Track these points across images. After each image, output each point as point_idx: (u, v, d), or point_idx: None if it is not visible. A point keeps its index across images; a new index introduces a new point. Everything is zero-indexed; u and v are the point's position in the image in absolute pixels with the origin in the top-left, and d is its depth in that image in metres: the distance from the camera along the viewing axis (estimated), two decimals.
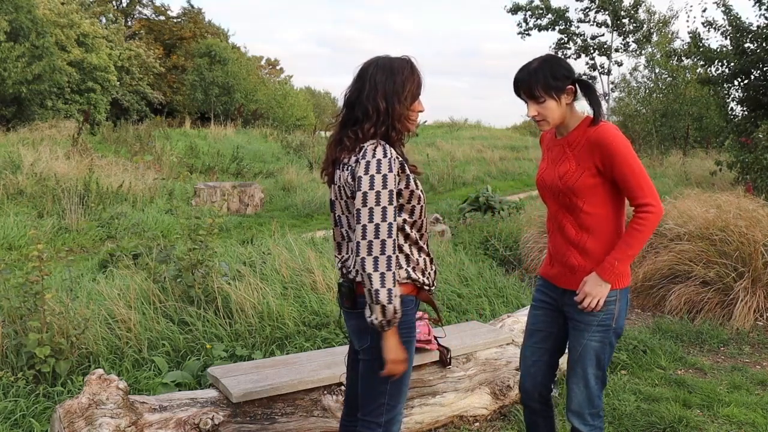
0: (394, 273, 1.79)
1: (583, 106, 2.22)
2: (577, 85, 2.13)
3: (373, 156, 1.81)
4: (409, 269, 1.94)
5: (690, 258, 5.08)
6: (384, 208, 1.79)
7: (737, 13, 11.18)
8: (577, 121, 2.16)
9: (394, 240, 1.80)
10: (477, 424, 3.22)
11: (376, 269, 1.77)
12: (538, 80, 2.08)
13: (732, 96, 12.26)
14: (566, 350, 2.31)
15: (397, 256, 1.83)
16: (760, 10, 11.09)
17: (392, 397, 1.99)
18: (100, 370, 2.44)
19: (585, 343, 2.18)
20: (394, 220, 1.81)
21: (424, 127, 25.08)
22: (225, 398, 2.64)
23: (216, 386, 2.75)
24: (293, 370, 2.83)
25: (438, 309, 2.10)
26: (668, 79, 20.09)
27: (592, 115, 2.13)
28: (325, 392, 2.80)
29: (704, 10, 21.44)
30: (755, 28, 10.95)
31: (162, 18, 31.49)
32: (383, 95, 1.89)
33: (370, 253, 1.77)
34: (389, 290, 1.78)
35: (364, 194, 1.79)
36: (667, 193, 8.28)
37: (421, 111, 1.98)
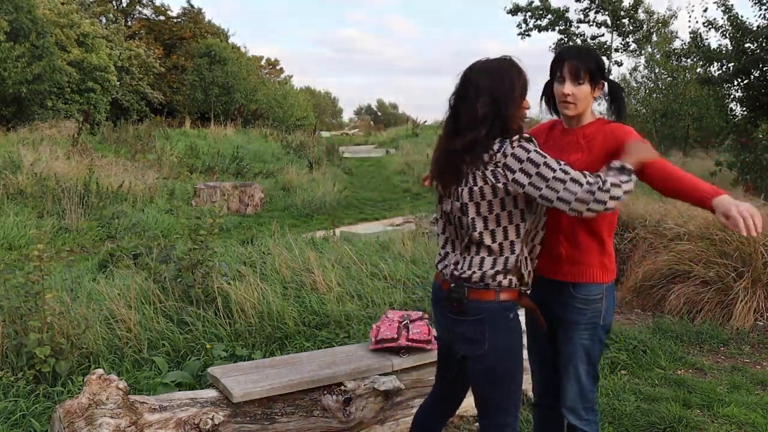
0: (612, 182, 1.82)
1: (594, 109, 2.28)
2: (606, 84, 2.20)
3: (513, 147, 1.85)
4: (515, 275, 1.97)
5: (690, 258, 5.07)
6: (547, 164, 1.83)
7: (737, 13, 11.19)
8: (592, 117, 2.22)
9: (575, 173, 1.83)
10: (477, 424, 3.22)
11: (606, 199, 1.81)
12: (588, 62, 2.13)
13: (732, 96, 12.26)
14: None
15: (519, 254, 1.93)
16: (760, 9, 11.09)
17: (515, 394, 2.05)
18: (100, 370, 2.44)
19: (574, 342, 2.21)
20: (564, 169, 1.84)
21: (424, 127, 25.09)
22: (225, 398, 2.64)
23: (216, 386, 2.75)
24: (293, 370, 2.83)
25: (539, 314, 2.12)
26: (668, 79, 20.08)
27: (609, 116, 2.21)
28: (325, 392, 2.80)
29: (705, 10, 21.47)
30: (755, 28, 10.95)
31: (162, 18, 31.47)
32: (493, 99, 1.89)
33: (584, 201, 1.81)
34: (625, 187, 1.85)
35: (539, 174, 1.83)
36: None
37: (528, 108, 1.98)
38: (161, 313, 3.96)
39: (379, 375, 2.93)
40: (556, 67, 2.19)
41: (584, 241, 2.18)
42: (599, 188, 1.81)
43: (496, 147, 1.88)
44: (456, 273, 1.99)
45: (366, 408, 2.86)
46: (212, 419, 2.52)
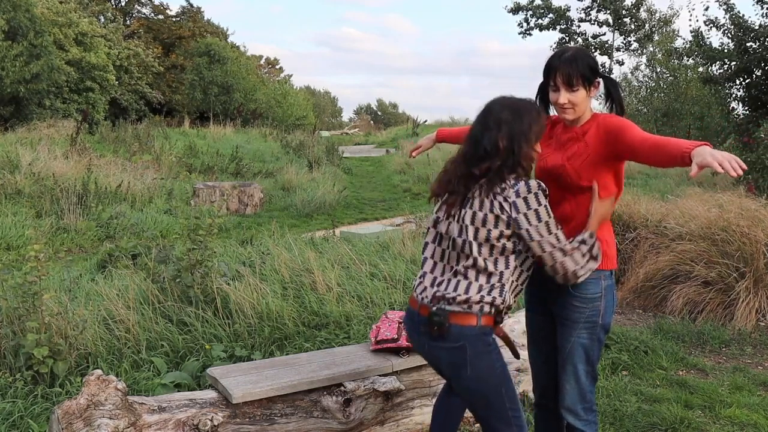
0: (586, 259, 2.02)
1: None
2: (601, 81, 2.21)
3: (528, 193, 1.97)
4: (498, 301, 2.01)
5: (691, 258, 5.06)
6: (548, 224, 1.98)
7: (739, 12, 11.18)
8: (589, 114, 2.23)
9: (568, 241, 2.02)
10: (477, 425, 3.21)
11: (579, 273, 2.02)
12: (578, 69, 2.12)
13: (734, 95, 12.25)
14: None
15: (505, 283, 2.01)
16: (762, 8, 11.08)
17: (512, 400, 2.07)
18: (99, 371, 2.42)
19: (573, 341, 2.21)
20: (559, 229, 2.00)
21: (424, 127, 25.07)
22: (224, 399, 2.63)
23: (215, 387, 2.73)
24: (293, 370, 2.81)
25: (513, 344, 2.19)
26: (669, 78, 20.08)
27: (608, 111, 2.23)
28: (325, 393, 2.78)
29: (707, 9, 21.48)
30: (757, 27, 10.94)
31: (161, 17, 31.46)
32: (510, 134, 2.00)
33: (566, 269, 2.00)
34: (590, 261, 2.05)
35: (536, 227, 1.96)
36: (668, 192, 8.28)
37: (538, 152, 2.11)
38: (160, 314, 3.94)
39: (379, 376, 2.91)
40: (548, 74, 2.18)
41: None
42: (586, 269, 2.04)
43: (511, 182, 1.99)
44: (438, 294, 2.03)
45: (366, 409, 2.84)
46: (211, 420, 2.51)
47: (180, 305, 4.02)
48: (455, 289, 2.00)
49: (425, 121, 26.59)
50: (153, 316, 3.87)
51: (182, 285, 4.13)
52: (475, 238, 1.98)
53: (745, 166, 1.76)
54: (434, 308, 2.02)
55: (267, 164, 15.35)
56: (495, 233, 1.97)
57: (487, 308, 1.99)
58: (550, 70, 2.17)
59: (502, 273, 2.00)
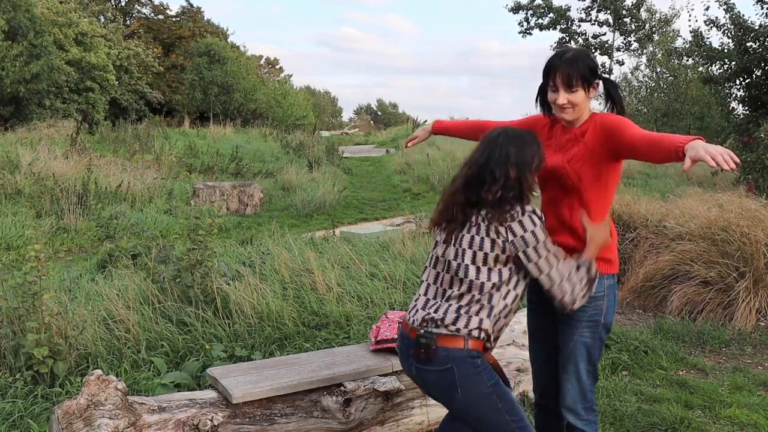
0: (584, 283, 2.05)
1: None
2: (601, 82, 2.22)
3: (523, 214, 2.01)
4: (486, 325, 2.01)
5: (691, 258, 5.06)
6: (545, 245, 2.01)
7: (739, 12, 11.17)
8: (588, 114, 2.24)
9: (569, 264, 2.05)
10: None
11: (576, 299, 2.04)
12: (578, 70, 2.13)
13: (734, 95, 12.25)
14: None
15: (495, 306, 2.02)
16: (762, 8, 11.08)
17: (511, 412, 2.06)
18: (99, 371, 2.42)
19: (575, 340, 2.22)
20: (556, 256, 2.03)
21: (424, 127, 25.05)
22: (224, 399, 2.63)
23: (215, 387, 2.73)
24: (293, 370, 2.81)
25: (504, 372, 2.18)
26: (670, 78, 20.08)
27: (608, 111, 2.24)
28: (325, 393, 2.78)
29: (707, 9, 21.47)
30: (757, 27, 10.93)
31: (161, 17, 31.44)
32: (515, 164, 2.04)
33: (564, 291, 2.03)
34: (588, 289, 2.06)
35: (534, 248, 2.00)
36: (668, 192, 8.27)
37: (535, 184, 2.16)
38: (160, 314, 3.94)
39: (379, 376, 2.91)
40: (547, 75, 2.19)
41: (584, 232, 2.19)
42: (576, 292, 2.05)
43: (507, 207, 2.03)
44: (427, 317, 2.04)
45: (366, 409, 2.84)
46: (211, 420, 2.51)
47: (180, 305, 4.02)
48: (445, 312, 2.02)
49: (425, 121, 26.58)
50: (153, 316, 3.87)
51: (182, 285, 4.13)
52: (473, 262, 2.01)
53: (737, 160, 1.75)
54: (422, 331, 2.03)
55: (267, 164, 15.35)
56: (491, 257, 2.00)
57: (475, 333, 2.00)
58: (550, 69, 2.18)
59: (492, 297, 2.02)
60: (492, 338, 2.06)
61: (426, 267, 2.20)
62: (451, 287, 2.06)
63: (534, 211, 2.03)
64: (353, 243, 5.99)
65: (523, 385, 3.36)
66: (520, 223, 1.99)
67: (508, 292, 2.04)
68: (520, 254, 1.99)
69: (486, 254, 2.00)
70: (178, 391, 3.12)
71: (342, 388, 2.80)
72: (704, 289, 4.90)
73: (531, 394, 3.08)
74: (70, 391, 3.12)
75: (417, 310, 2.11)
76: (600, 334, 2.23)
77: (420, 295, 2.15)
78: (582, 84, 2.14)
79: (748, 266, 4.82)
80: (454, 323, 2.00)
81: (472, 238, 2.02)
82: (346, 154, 19.40)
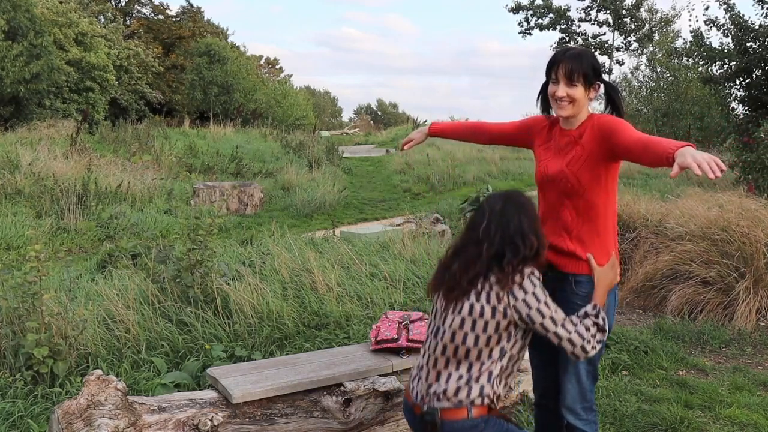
0: (593, 332, 2.05)
1: (591, 107, 2.32)
2: (602, 85, 2.23)
3: (522, 278, 2.00)
4: (488, 391, 2.01)
5: (691, 258, 5.06)
6: (547, 304, 2.01)
7: (739, 12, 11.17)
8: (586, 114, 2.25)
9: (575, 318, 2.06)
10: None
11: (587, 348, 2.03)
12: (581, 66, 2.15)
13: (734, 95, 12.25)
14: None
15: (493, 370, 2.01)
16: (762, 8, 11.07)
17: None
18: (99, 371, 2.42)
19: None
20: (558, 311, 2.03)
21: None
22: (224, 399, 2.63)
23: (215, 387, 2.73)
24: (293, 370, 2.81)
25: (509, 419, 2.17)
26: (670, 78, 20.09)
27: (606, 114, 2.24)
28: (325, 393, 2.78)
29: (707, 8, 21.47)
30: (758, 27, 10.93)
31: (161, 17, 31.44)
32: (533, 231, 2.05)
33: (573, 344, 2.02)
34: (600, 334, 2.07)
35: (538, 309, 1.99)
36: (668, 192, 8.27)
37: None
38: (160, 314, 3.94)
39: (379, 376, 2.91)
40: (551, 69, 2.21)
41: (588, 237, 2.21)
42: (587, 341, 2.05)
43: (511, 270, 2.01)
44: (430, 390, 2.04)
45: (366, 409, 2.84)
46: (211, 420, 2.51)
47: (180, 305, 4.02)
48: (446, 382, 2.02)
49: (425, 121, 26.57)
50: (153, 316, 3.87)
51: (182, 285, 4.13)
52: (472, 329, 2.00)
53: (724, 167, 1.75)
54: (425, 407, 2.04)
55: (267, 164, 15.35)
56: (491, 325, 1.99)
57: (478, 400, 1.99)
58: (553, 63, 2.20)
59: (494, 363, 2.01)
60: (497, 399, 2.05)
61: (428, 336, 2.17)
62: (455, 355, 2.04)
63: (532, 272, 2.02)
64: (353, 243, 5.99)
65: (523, 385, 3.36)
66: (521, 286, 1.99)
67: (506, 354, 2.04)
68: (524, 317, 1.99)
69: (486, 322, 1.99)
70: (178, 391, 3.12)
71: (342, 388, 2.80)
72: (704, 289, 4.91)
73: (531, 394, 3.08)
74: (70, 391, 3.12)
75: (420, 381, 2.10)
76: None
77: (423, 364, 2.13)
78: (583, 81, 2.16)
79: (748, 266, 4.82)
80: (456, 394, 1.99)
81: (472, 306, 2.01)
82: (346, 154, 19.39)
